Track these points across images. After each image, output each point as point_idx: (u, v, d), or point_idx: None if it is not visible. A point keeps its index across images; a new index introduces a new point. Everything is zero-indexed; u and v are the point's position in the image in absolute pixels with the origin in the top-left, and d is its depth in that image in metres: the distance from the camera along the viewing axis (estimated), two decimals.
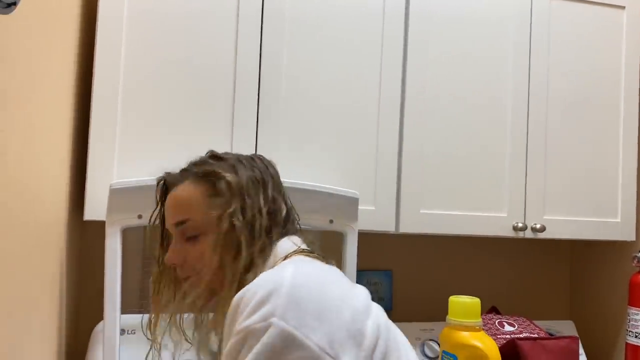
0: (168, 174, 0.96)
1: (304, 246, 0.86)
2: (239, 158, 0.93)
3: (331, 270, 0.77)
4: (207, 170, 0.88)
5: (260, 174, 0.89)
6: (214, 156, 0.93)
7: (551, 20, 1.47)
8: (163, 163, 1.21)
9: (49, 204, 1.01)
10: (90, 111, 1.18)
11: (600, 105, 1.51)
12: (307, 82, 1.31)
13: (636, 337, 1.36)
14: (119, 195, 1.11)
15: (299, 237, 0.89)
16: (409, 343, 0.78)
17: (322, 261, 0.82)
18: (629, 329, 1.38)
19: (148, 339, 0.92)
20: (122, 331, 1.20)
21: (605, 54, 1.52)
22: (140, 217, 1.15)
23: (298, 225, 0.94)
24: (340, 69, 1.33)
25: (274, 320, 0.62)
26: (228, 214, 0.82)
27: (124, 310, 1.16)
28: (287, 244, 0.84)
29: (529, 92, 1.45)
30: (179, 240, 0.88)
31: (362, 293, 0.73)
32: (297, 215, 0.96)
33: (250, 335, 0.63)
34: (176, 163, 1.21)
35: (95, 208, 1.17)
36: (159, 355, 0.92)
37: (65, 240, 1.16)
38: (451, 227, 1.38)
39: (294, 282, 0.66)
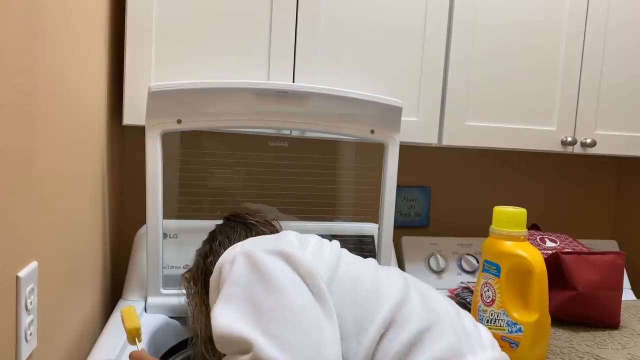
0: None
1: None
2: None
3: None
4: None
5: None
6: None
7: None
8: (200, 66, 1.19)
9: (88, 109, 1.00)
10: (126, 15, 1.14)
11: None
12: None
13: None
14: (158, 98, 1.09)
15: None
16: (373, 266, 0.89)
17: None
18: None
19: None
20: (164, 235, 1.22)
21: None
22: (179, 121, 1.14)
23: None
24: None
25: (237, 253, 0.81)
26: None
27: (165, 216, 1.17)
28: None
29: (587, 14, 1.34)
30: None
31: (294, 238, 0.89)
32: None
33: (223, 265, 0.81)
34: (214, 64, 1.18)
35: (133, 113, 1.16)
36: None
37: (105, 145, 1.16)
38: (496, 141, 1.33)
39: (243, 244, 0.85)
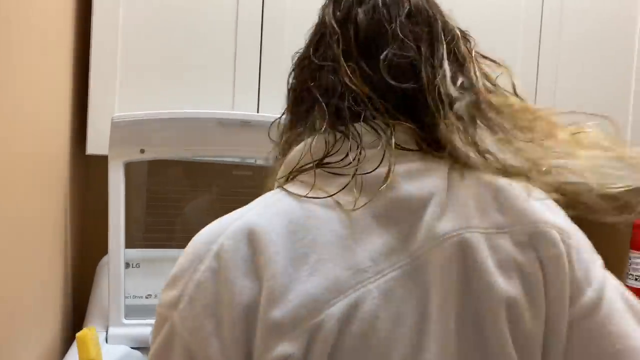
0: None
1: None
2: None
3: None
4: None
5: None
6: None
7: None
8: (165, 94, 1.20)
9: (51, 138, 1.00)
10: (91, 45, 1.15)
11: (614, 45, 1.46)
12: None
13: (636, 280, 1.37)
14: (121, 129, 1.10)
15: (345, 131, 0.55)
16: None
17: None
18: (629, 272, 1.39)
19: None
20: (127, 264, 1.22)
21: None
22: (142, 151, 1.14)
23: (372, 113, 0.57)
24: None
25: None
26: None
27: (129, 245, 1.17)
28: (296, 154, 0.56)
29: (541, 30, 1.40)
30: None
31: None
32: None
33: None
34: (178, 93, 1.19)
35: (97, 142, 1.17)
36: None
37: (68, 174, 1.16)
38: None
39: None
